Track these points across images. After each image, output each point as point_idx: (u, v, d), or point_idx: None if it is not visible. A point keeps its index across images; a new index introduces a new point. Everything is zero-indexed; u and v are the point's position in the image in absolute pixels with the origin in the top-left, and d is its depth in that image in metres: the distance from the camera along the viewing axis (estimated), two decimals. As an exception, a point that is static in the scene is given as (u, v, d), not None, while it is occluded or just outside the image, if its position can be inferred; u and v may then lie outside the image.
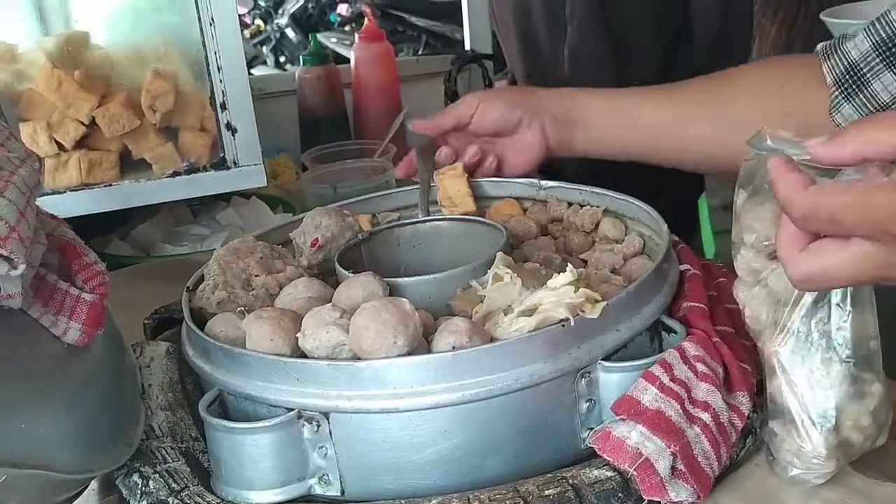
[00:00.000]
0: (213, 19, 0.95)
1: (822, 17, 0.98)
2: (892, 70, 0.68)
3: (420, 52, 3.59)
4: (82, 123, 0.97)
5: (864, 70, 0.70)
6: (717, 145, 0.78)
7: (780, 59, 0.83)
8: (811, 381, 0.54)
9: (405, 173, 0.95)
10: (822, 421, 0.54)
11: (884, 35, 0.69)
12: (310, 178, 1.23)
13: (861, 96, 0.70)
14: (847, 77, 0.71)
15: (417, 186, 0.88)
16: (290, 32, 4.40)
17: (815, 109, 0.73)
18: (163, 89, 0.97)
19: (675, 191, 1.40)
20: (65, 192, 0.98)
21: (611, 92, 0.87)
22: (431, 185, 0.88)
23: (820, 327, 0.54)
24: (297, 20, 4.39)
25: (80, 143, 0.99)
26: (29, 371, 0.53)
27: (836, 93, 0.72)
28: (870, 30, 0.70)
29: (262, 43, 4.48)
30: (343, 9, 4.31)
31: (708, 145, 0.79)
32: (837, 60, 0.72)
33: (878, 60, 0.69)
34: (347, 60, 1.58)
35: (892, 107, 0.69)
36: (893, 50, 0.68)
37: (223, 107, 0.98)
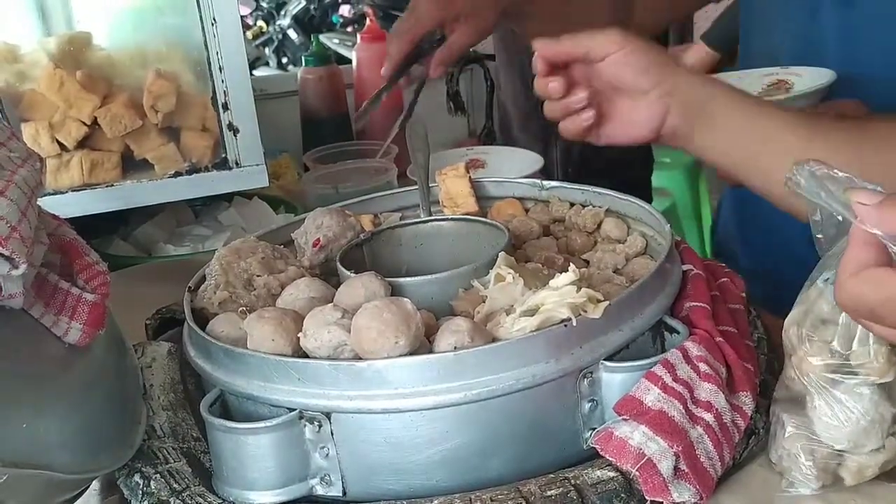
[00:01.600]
0: (214, 19, 0.95)
1: None
2: None
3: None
4: (84, 124, 0.97)
5: None
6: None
7: None
8: (833, 406, 0.53)
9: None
10: (827, 449, 0.54)
11: None
12: (311, 179, 1.23)
13: None
14: None
15: (418, 188, 0.88)
16: (292, 33, 4.40)
17: None
18: (165, 89, 0.97)
19: (627, 167, 1.47)
20: (67, 192, 0.98)
21: (753, 100, 0.78)
22: (431, 185, 0.88)
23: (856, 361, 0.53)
24: (300, 21, 4.39)
25: (82, 144, 0.99)
26: (30, 371, 0.53)
27: None
28: None
29: (264, 44, 4.48)
30: (345, 10, 4.31)
31: None
32: None
33: None
34: (349, 61, 1.58)
35: None
36: None
37: (225, 107, 0.98)
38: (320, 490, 0.57)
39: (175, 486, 0.57)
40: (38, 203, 0.56)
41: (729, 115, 0.74)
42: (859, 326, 0.52)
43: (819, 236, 0.53)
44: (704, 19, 2.30)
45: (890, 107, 0.81)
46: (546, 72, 0.77)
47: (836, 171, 0.49)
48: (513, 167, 1.19)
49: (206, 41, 0.96)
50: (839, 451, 0.54)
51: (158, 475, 0.58)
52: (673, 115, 0.74)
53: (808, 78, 0.94)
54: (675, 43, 2.40)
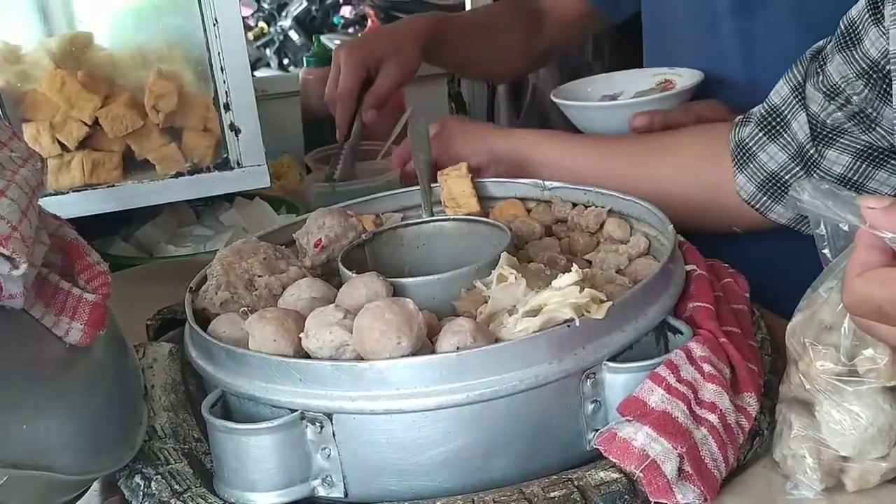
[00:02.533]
0: (216, 20, 0.94)
1: (552, 97, 1.15)
2: (774, 141, 0.80)
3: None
4: (85, 124, 0.97)
5: (751, 144, 0.82)
6: (664, 199, 0.83)
7: (705, 129, 0.92)
8: (841, 412, 0.53)
9: (399, 164, 1.04)
10: (834, 453, 0.54)
11: (763, 112, 0.81)
12: (313, 180, 1.22)
13: (751, 167, 0.82)
14: (739, 151, 0.83)
15: (419, 188, 0.87)
16: (293, 35, 4.40)
17: (722, 174, 0.84)
18: (166, 90, 0.97)
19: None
20: (68, 192, 0.97)
21: (561, 136, 0.98)
22: (433, 185, 0.87)
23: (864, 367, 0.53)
24: (301, 22, 4.39)
25: (84, 144, 0.98)
26: (31, 372, 0.52)
27: (732, 164, 0.84)
28: (756, 111, 0.82)
29: (265, 45, 4.48)
30: (346, 11, 4.31)
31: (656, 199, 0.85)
32: (733, 137, 0.84)
33: (760, 134, 0.81)
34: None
35: (781, 174, 0.79)
36: (773, 123, 0.80)
37: (227, 107, 0.98)
38: (322, 491, 0.56)
39: (176, 487, 0.57)
40: (38, 203, 0.55)
41: (547, 154, 0.95)
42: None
43: (825, 251, 0.54)
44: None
45: None
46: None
47: (837, 188, 0.50)
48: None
49: (207, 41, 0.96)
50: (844, 457, 0.54)
51: (159, 476, 0.58)
52: (504, 173, 0.94)
53: (686, 78, 1.08)
54: (593, 57, 2.30)
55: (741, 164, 0.83)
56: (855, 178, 0.76)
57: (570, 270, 0.58)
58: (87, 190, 0.98)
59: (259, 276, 0.70)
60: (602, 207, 0.80)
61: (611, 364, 0.57)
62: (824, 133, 0.76)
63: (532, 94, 1.66)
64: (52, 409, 0.52)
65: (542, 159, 0.94)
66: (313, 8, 4.38)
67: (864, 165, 0.76)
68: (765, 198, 0.82)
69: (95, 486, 0.60)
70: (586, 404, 0.57)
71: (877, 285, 0.45)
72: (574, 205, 0.83)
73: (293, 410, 0.56)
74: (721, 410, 0.54)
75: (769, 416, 0.59)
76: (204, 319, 0.67)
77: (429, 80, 1.71)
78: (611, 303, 0.56)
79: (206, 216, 1.18)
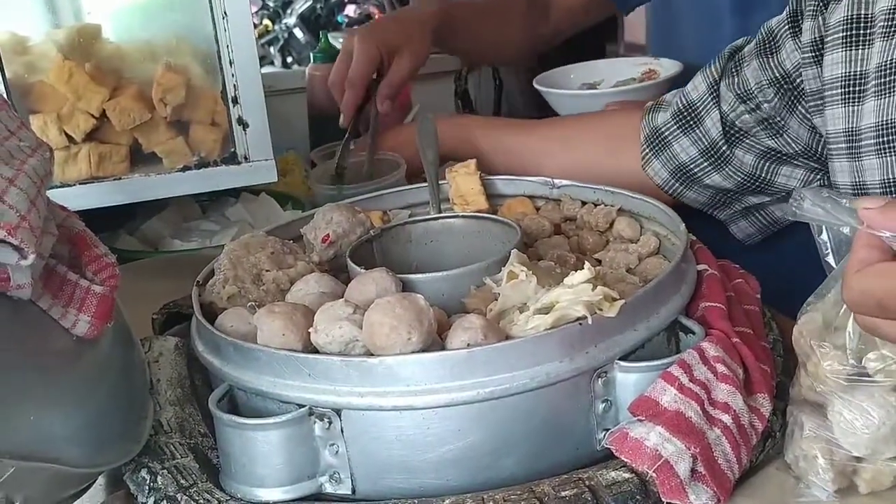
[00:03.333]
0: (225, 13, 0.94)
1: (534, 84, 1.21)
2: (687, 135, 0.84)
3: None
4: (93, 116, 0.96)
5: (666, 134, 0.85)
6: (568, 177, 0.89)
7: (621, 113, 0.98)
8: (853, 412, 0.53)
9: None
10: (846, 454, 0.53)
11: (680, 106, 0.85)
12: (315, 176, 1.22)
13: (665, 154, 0.86)
14: (654, 138, 0.86)
15: (427, 184, 0.87)
16: (298, 32, 4.40)
17: (630, 159, 0.89)
18: (174, 83, 0.97)
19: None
20: (74, 185, 0.97)
21: (498, 121, 1.09)
22: (441, 182, 0.87)
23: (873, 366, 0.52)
24: (306, 20, 4.39)
25: (91, 136, 0.98)
26: (38, 363, 0.52)
27: (646, 149, 0.87)
28: (674, 101, 0.86)
29: (269, 43, 4.48)
30: (351, 10, 4.31)
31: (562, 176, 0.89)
32: (647, 123, 0.88)
33: (675, 126, 0.85)
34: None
35: (691, 167, 0.84)
36: (687, 118, 0.84)
37: (235, 101, 0.97)
38: (329, 488, 0.56)
39: (182, 481, 0.56)
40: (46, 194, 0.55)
41: (483, 140, 1.01)
42: None
43: (828, 259, 0.54)
44: (631, 21, 2.32)
45: None
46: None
47: (837, 195, 0.50)
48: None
49: (216, 35, 0.95)
50: (857, 457, 0.53)
51: (165, 471, 0.57)
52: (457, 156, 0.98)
53: (668, 67, 1.14)
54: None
55: (655, 151, 0.87)
56: (762, 175, 0.80)
57: (581, 268, 0.58)
58: (93, 182, 0.97)
59: (267, 271, 0.69)
60: (612, 206, 0.79)
61: (622, 363, 0.56)
62: (733, 132, 0.80)
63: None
64: (59, 401, 0.52)
65: (481, 146, 1.00)
66: (318, 6, 4.37)
67: (768, 164, 0.79)
68: (677, 185, 0.86)
69: (101, 480, 0.60)
70: (597, 403, 0.56)
71: (874, 279, 0.45)
72: (583, 203, 0.82)
73: (301, 406, 0.55)
74: (735, 411, 0.54)
75: (781, 418, 0.58)
76: (211, 313, 0.66)
77: (436, 77, 1.70)
78: (623, 301, 0.56)
79: (212, 211, 1.17)
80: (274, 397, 0.57)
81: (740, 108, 0.78)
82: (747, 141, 0.79)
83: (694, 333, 0.60)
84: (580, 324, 0.55)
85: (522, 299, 0.59)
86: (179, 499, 0.55)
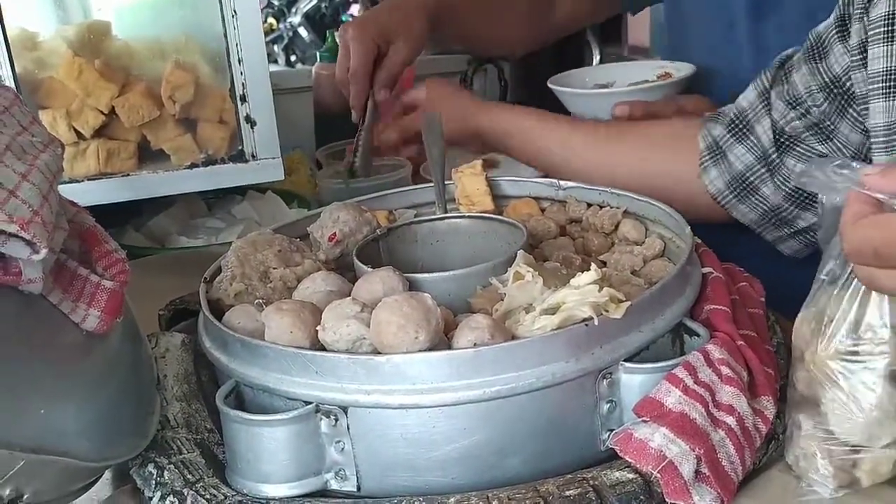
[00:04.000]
0: (235, 11, 0.94)
1: (549, 84, 1.20)
2: (741, 143, 0.83)
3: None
4: (102, 112, 0.97)
5: (722, 144, 0.85)
6: (608, 182, 0.87)
7: (677, 121, 0.96)
8: (847, 397, 0.53)
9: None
10: (843, 447, 0.54)
11: (732, 115, 0.84)
12: (325, 175, 1.22)
13: (723, 164, 0.85)
14: (714, 147, 0.86)
15: (433, 184, 0.87)
16: (302, 31, 4.40)
17: (689, 166, 0.87)
18: (183, 80, 0.97)
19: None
20: (82, 180, 0.97)
21: (538, 114, 1.00)
22: (447, 182, 0.87)
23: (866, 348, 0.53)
24: (311, 19, 4.38)
25: (99, 133, 0.98)
26: (48, 357, 0.52)
27: (706, 157, 0.86)
28: (728, 111, 0.85)
29: (273, 41, 4.48)
30: (356, 9, 4.30)
31: (600, 181, 0.87)
32: (707, 132, 0.87)
33: (729, 135, 0.84)
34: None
35: (747, 175, 0.84)
36: (740, 126, 0.83)
37: (243, 99, 0.98)
38: (335, 485, 0.56)
39: (189, 476, 0.57)
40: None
41: (520, 131, 0.99)
42: (868, 312, 0.53)
43: (819, 233, 0.56)
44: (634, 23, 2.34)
45: None
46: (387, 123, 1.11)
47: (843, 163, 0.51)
48: (527, 167, 1.18)
49: (225, 33, 0.96)
50: (854, 446, 0.54)
51: (172, 466, 0.58)
52: (486, 146, 1.05)
53: (683, 70, 1.14)
54: (599, 40, 2.37)
55: (713, 161, 0.86)
56: None
57: (587, 270, 0.58)
58: (101, 179, 0.98)
59: (274, 269, 0.70)
60: (617, 208, 0.80)
61: (627, 364, 0.56)
62: (783, 139, 0.79)
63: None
64: (68, 395, 0.52)
65: (518, 134, 0.98)
66: (323, 5, 4.37)
67: None
68: (731, 196, 0.85)
69: (108, 474, 0.60)
70: (602, 404, 0.56)
71: (871, 229, 0.47)
72: (589, 205, 0.82)
73: (308, 403, 0.55)
74: (739, 413, 0.54)
75: (784, 421, 0.59)
76: (218, 310, 0.67)
77: (442, 77, 1.71)
78: (629, 303, 0.56)
79: (218, 209, 1.18)
80: (281, 394, 0.57)
81: (790, 115, 0.78)
82: (798, 148, 0.79)
83: (699, 336, 0.60)
84: (586, 325, 0.55)
85: (528, 300, 0.60)
86: (185, 494, 0.55)
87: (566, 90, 1.16)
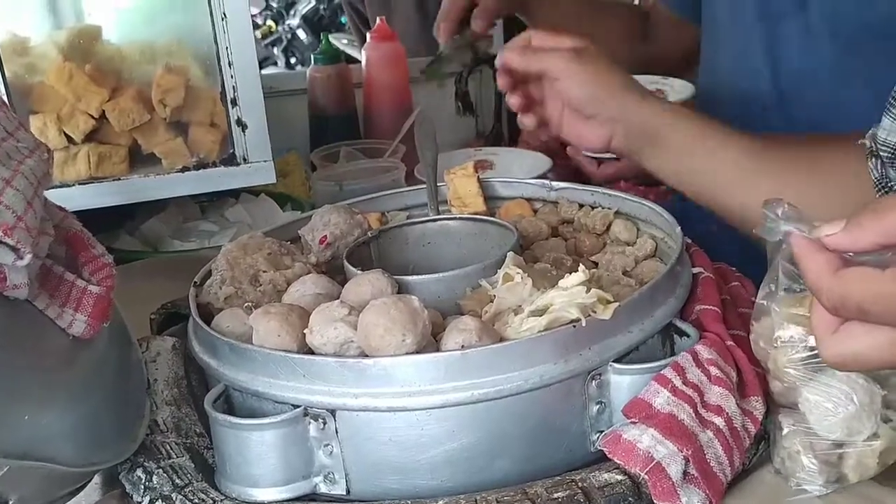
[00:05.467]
0: (224, 14, 0.94)
1: None
2: None
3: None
4: (92, 117, 0.97)
5: (892, 181, 0.69)
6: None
7: (844, 145, 0.74)
8: (821, 394, 0.53)
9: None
10: (825, 442, 0.54)
11: (889, 153, 0.68)
12: (319, 177, 1.22)
13: None
14: (882, 182, 0.70)
15: (426, 186, 0.87)
16: (301, 33, 4.41)
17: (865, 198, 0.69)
18: (173, 84, 0.97)
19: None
20: (74, 185, 0.97)
21: (702, 123, 0.80)
22: (440, 184, 0.87)
23: None
24: (309, 21, 4.40)
25: (90, 137, 0.98)
26: (34, 363, 0.52)
27: (877, 190, 0.70)
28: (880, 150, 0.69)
29: (273, 44, 4.49)
30: (353, 13, 4.30)
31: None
32: (874, 166, 0.70)
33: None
34: (358, 62, 1.57)
35: None
36: None
37: (234, 102, 0.98)
38: (324, 488, 0.56)
39: (177, 481, 0.57)
40: (44, 194, 0.55)
41: (676, 138, 0.78)
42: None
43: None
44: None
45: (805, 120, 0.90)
46: (508, 85, 0.84)
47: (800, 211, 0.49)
48: (521, 168, 1.18)
49: (215, 36, 0.96)
50: (836, 441, 0.54)
51: (161, 470, 0.57)
52: (618, 138, 0.80)
53: (677, 90, 1.08)
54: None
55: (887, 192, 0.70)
56: None
57: (577, 271, 0.58)
58: (92, 183, 0.98)
59: (264, 272, 0.70)
60: (609, 209, 0.80)
61: (616, 365, 0.56)
62: None
63: None
64: (54, 401, 0.52)
65: (676, 144, 0.78)
66: (321, 7, 4.38)
67: None
68: None
69: (97, 479, 0.60)
70: (591, 405, 0.56)
71: (855, 285, 0.45)
72: (581, 206, 0.82)
73: (296, 406, 0.55)
74: (727, 414, 0.54)
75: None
76: (208, 314, 0.66)
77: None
78: (617, 304, 0.56)
79: (211, 212, 1.18)
80: (269, 398, 0.57)
81: None
82: None
83: (688, 336, 0.60)
84: (574, 326, 0.55)
85: (518, 301, 0.59)
86: (174, 498, 0.55)
87: None
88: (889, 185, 0.70)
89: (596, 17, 1.32)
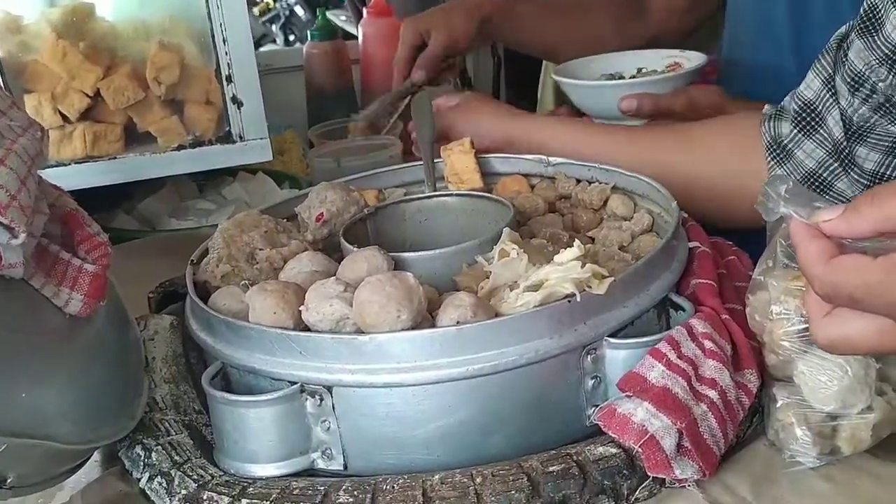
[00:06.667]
0: (218, -9, 0.94)
1: (553, 76, 1.16)
2: (810, 138, 0.76)
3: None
4: (87, 95, 0.96)
5: (787, 142, 0.77)
6: (687, 192, 0.80)
7: (729, 121, 0.87)
8: (815, 367, 0.53)
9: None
10: (819, 414, 0.54)
11: (797, 108, 0.77)
12: (315, 154, 1.22)
13: (790, 164, 0.77)
14: (776, 147, 0.78)
15: (422, 163, 0.87)
16: (298, 10, 4.38)
17: (755, 169, 0.79)
18: (168, 61, 0.97)
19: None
20: (69, 164, 0.97)
21: (580, 126, 0.97)
22: (437, 161, 0.87)
23: None
24: (306, -2, 4.36)
25: (85, 115, 0.98)
26: (31, 341, 0.52)
27: (770, 159, 0.79)
28: (790, 105, 0.78)
29: (270, 21, 4.46)
30: (350, -11, 4.27)
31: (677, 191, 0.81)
32: (767, 130, 0.79)
33: (797, 131, 0.77)
34: (356, 38, 1.57)
35: (820, 172, 0.76)
36: (808, 119, 0.76)
37: (229, 80, 0.97)
38: (321, 463, 0.57)
39: (176, 458, 0.57)
40: (39, 173, 0.55)
41: (562, 144, 0.91)
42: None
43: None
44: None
45: None
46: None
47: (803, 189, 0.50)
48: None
49: (209, 13, 0.95)
50: (830, 414, 0.54)
51: (160, 447, 0.58)
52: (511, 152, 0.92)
53: (693, 59, 1.10)
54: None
55: (778, 162, 0.78)
56: (888, 173, 0.72)
57: (573, 245, 0.58)
58: (88, 162, 0.98)
59: (260, 250, 0.70)
60: (606, 184, 0.79)
61: (611, 340, 0.56)
62: (852, 129, 0.72)
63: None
64: (51, 379, 0.52)
65: (559, 147, 0.90)
66: (318, -17, 4.34)
67: (894, 160, 0.72)
68: None
69: (96, 456, 0.61)
70: (586, 380, 0.57)
71: (845, 274, 0.45)
72: (578, 181, 0.82)
73: (293, 383, 0.55)
74: (721, 387, 0.54)
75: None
76: (205, 292, 0.67)
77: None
78: (612, 278, 0.56)
79: (209, 190, 1.17)
80: (266, 375, 0.57)
81: (855, 102, 0.71)
82: (871, 138, 0.71)
83: (684, 310, 0.60)
84: (569, 301, 0.55)
85: (514, 277, 0.59)
86: (173, 475, 0.56)
87: (570, 82, 1.10)
88: (782, 143, 0.77)
89: (569, 19, 1.32)
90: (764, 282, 0.56)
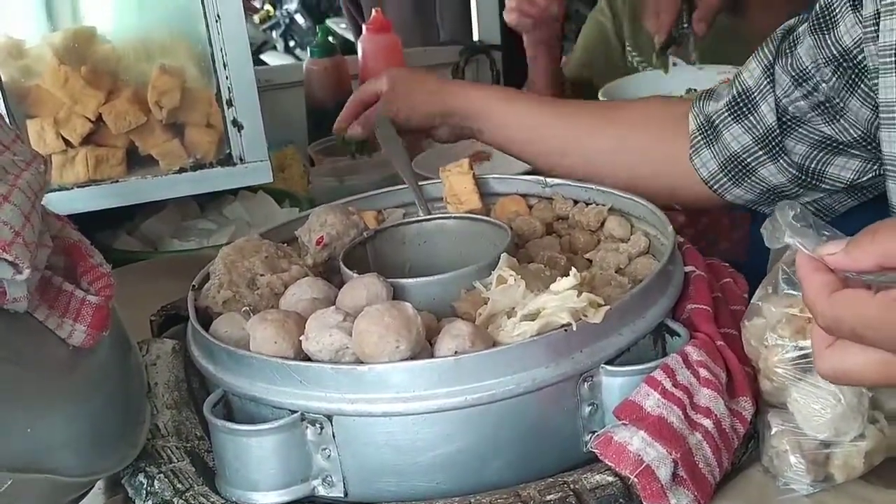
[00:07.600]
0: (218, 15, 0.94)
1: (600, 97, 1.15)
2: (739, 123, 0.79)
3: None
4: (89, 120, 0.97)
5: (717, 122, 0.80)
6: (609, 169, 0.86)
7: (665, 101, 0.93)
8: (809, 395, 0.54)
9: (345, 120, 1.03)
10: (813, 441, 0.55)
11: (735, 93, 0.79)
12: (318, 173, 1.23)
13: (717, 145, 0.81)
14: (706, 126, 0.81)
15: (422, 183, 0.88)
16: (299, 18, 4.39)
17: (678, 149, 0.84)
18: (169, 85, 0.97)
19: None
20: (72, 188, 0.98)
21: (519, 95, 0.99)
22: (435, 182, 0.87)
23: None
24: (307, 5, 4.38)
25: (87, 140, 0.99)
26: (35, 375, 0.53)
27: (698, 137, 0.82)
28: (729, 89, 0.80)
29: (271, 28, 4.47)
30: (350, -6, 4.28)
31: (601, 168, 0.88)
32: (699, 111, 0.82)
33: (727, 114, 0.79)
34: (354, 44, 1.58)
35: (743, 157, 0.79)
36: (741, 105, 0.78)
37: (229, 103, 0.98)
38: (322, 491, 0.57)
39: (179, 485, 0.58)
40: (42, 203, 0.56)
41: (501, 116, 0.94)
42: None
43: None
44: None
45: None
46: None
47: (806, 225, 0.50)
48: (517, 162, 1.18)
49: (209, 36, 0.96)
50: (824, 441, 0.55)
51: (162, 475, 0.59)
52: (458, 128, 0.97)
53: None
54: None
55: (706, 142, 0.81)
56: (813, 166, 0.75)
57: (570, 273, 0.58)
58: (91, 186, 0.98)
59: (261, 275, 0.70)
60: (603, 205, 0.80)
61: (608, 367, 0.57)
62: (786, 119, 0.75)
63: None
64: (55, 412, 0.53)
65: (494, 117, 0.94)
66: (319, -9, 4.36)
67: (821, 154, 0.75)
68: (725, 179, 0.81)
69: (99, 484, 0.61)
70: (583, 407, 0.57)
71: (846, 309, 0.45)
72: (575, 202, 0.83)
73: (293, 411, 0.56)
74: (716, 415, 0.55)
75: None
76: (206, 317, 0.67)
77: (433, 69, 1.71)
78: (608, 307, 0.56)
79: (210, 209, 1.18)
80: (267, 403, 0.58)
81: (795, 94, 0.73)
82: (801, 130, 0.74)
83: (679, 336, 0.61)
84: (565, 330, 0.55)
85: (511, 303, 0.60)
86: (176, 503, 0.56)
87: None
88: (711, 120, 0.80)
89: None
90: (761, 307, 0.57)
